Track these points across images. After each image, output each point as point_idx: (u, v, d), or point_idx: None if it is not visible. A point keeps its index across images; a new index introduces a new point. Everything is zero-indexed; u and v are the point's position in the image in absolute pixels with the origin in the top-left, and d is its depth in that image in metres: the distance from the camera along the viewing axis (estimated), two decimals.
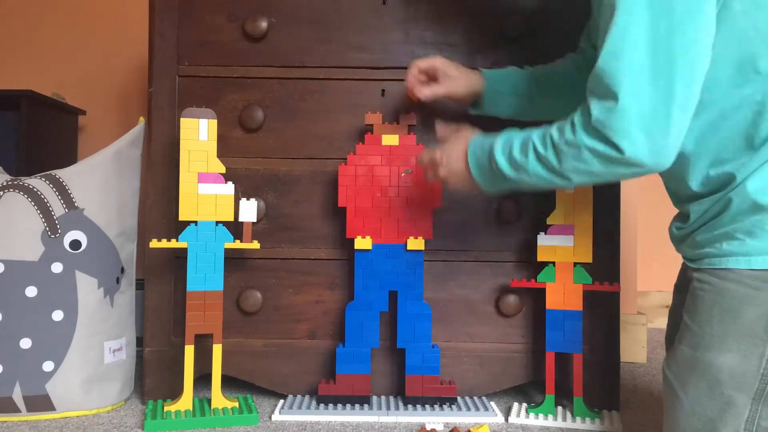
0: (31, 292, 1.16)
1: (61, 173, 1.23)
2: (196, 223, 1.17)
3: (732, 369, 0.80)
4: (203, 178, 1.17)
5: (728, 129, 0.83)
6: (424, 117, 1.26)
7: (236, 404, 1.19)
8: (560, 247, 1.21)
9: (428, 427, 1.13)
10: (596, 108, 0.79)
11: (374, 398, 1.26)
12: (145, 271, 1.27)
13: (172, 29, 1.28)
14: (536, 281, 1.22)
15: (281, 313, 1.29)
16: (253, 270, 1.29)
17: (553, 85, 1.15)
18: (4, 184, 1.20)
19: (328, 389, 1.22)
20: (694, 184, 0.88)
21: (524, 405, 1.25)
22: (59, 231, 1.19)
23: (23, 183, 1.21)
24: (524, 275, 1.28)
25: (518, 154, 0.89)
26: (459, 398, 1.26)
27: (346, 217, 1.23)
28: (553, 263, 1.22)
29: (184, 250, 1.18)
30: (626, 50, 0.77)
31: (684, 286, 0.93)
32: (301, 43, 1.28)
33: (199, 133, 1.17)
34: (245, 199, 1.20)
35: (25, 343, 1.16)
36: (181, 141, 1.16)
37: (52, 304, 1.17)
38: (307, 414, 1.18)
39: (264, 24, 1.27)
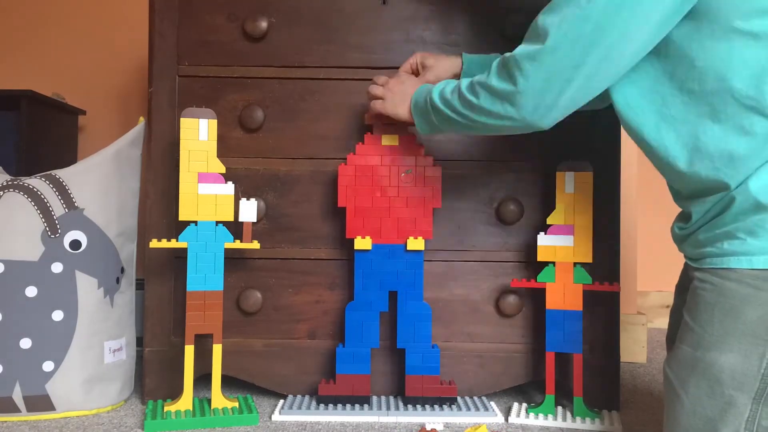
0: (31, 292, 1.16)
1: (61, 173, 1.23)
2: (196, 223, 1.17)
3: (733, 369, 0.80)
4: (203, 178, 1.17)
5: None
6: None
7: (236, 404, 1.19)
8: (560, 247, 1.21)
9: (428, 427, 1.13)
10: (520, 47, 0.88)
11: (374, 398, 1.26)
12: (145, 271, 1.27)
13: (172, 29, 1.28)
14: (536, 281, 1.22)
15: (281, 313, 1.29)
16: (253, 270, 1.29)
17: None
18: (4, 184, 1.20)
19: (328, 389, 1.22)
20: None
21: (524, 405, 1.25)
22: (59, 231, 1.19)
23: (23, 183, 1.21)
24: (524, 275, 1.28)
25: (449, 93, 1.00)
26: (459, 398, 1.26)
27: (346, 217, 1.23)
28: (553, 263, 1.22)
29: (184, 250, 1.18)
30: (563, 7, 0.83)
31: (686, 286, 0.93)
32: (301, 43, 1.28)
33: (199, 133, 1.17)
34: (245, 199, 1.20)
35: (25, 343, 1.16)
36: (181, 141, 1.16)
37: (52, 304, 1.17)
38: (307, 414, 1.18)
39: (264, 24, 1.27)
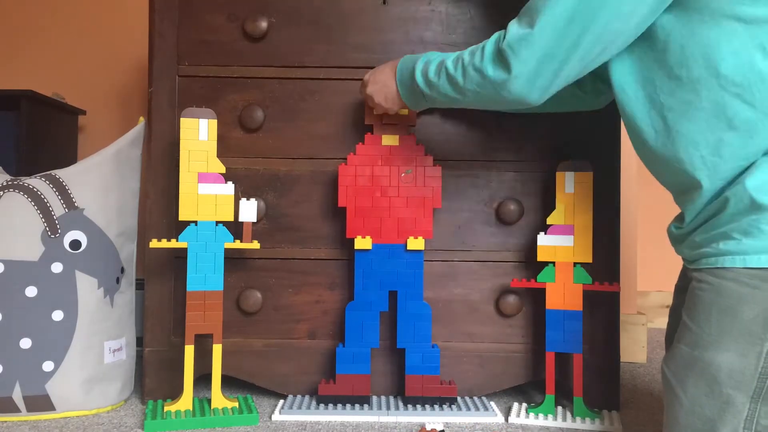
0: (31, 292, 1.16)
1: (61, 173, 1.23)
2: (196, 223, 1.17)
3: (730, 368, 0.80)
4: (203, 178, 1.17)
5: None
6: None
7: (236, 404, 1.19)
8: (560, 247, 1.21)
9: (428, 427, 1.13)
10: (512, 31, 0.89)
11: (374, 398, 1.26)
12: (145, 271, 1.27)
13: (172, 29, 1.28)
14: (536, 281, 1.22)
15: (281, 313, 1.29)
16: (253, 270, 1.29)
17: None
18: (4, 184, 1.20)
19: (328, 389, 1.22)
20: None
21: (524, 405, 1.25)
22: (59, 231, 1.19)
23: (23, 183, 1.21)
24: (524, 275, 1.28)
25: (433, 74, 1.01)
26: (459, 398, 1.26)
27: (346, 217, 1.23)
28: (553, 263, 1.22)
29: (184, 250, 1.18)
30: None
31: (685, 287, 0.93)
32: (301, 43, 1.28)
33: (199, 133, 1.17)
34: (245, 199, 1.20)
35: (25, 343, 1.16)
36: (181, 141, 1.16)
37: (52, 304, 1.17)
38: (307, 414, 1.18)
39: (264, 24, 1.27)
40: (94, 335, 1.21)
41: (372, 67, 1.27)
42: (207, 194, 1.17)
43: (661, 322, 2.11)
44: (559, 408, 1.23)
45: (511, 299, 1.27)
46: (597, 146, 1.26)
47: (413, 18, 1.28)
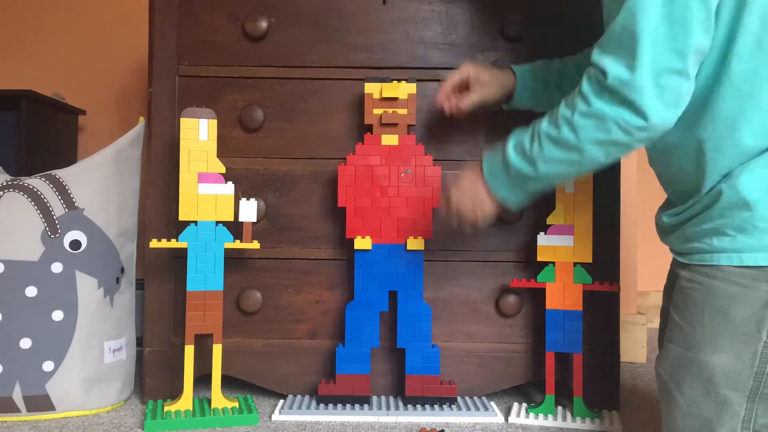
0: (31, 292, 1.16)
1: (61, 173, 1.23)
2: (196, 223, 1.17)
3: (726, 368, 0.80)
4: (203, 178, 1.17)
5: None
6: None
7: (236, 404, 1.19)
8: (560, 247, 1.21)
9: (428, 428, 1.13)
10: (614, 67, 0.79)
11: (374, 398, 1.26)
12: (145, 271, 1.27)
13: (172, 29, 1.28)
14: (536, 281, 1.22)
15: (281, 313, 1.29)
16: (253, 270, 1.29)
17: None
18: (4, 184, 1.20)
19: (328, 389, 1.22)
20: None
21: (524, 405, 1.25)
22: (59, 231, 1.19)
23: (23, 183, 1.21)
24: (524, 275, 1.28)
25: (529, 146, 0.90)
26: (459, 398, 1.26)
27: (346, 217, 1.23)
28: (553, 263, 1.22)
29: (184, 250, 1.18)
30: (645, 4, 0.77)
31: (673, 286, 0.92)
32: (301, 43, 1.28)
33: (199, 133, 1.17)
34: (245, 199, 1.20)
35: (25, 343, 1.16)
36: (181, 141, 1.16)
37: (52, 304, 1.17)
38: (307, 414, 1.18)
39: (264, 24, 1.27)
40: (94, 335, 1.21)
41: (372, 67, 1.27)
42: (207, 194, 1.17)
43: None
44: (559, 408, 1.23)
45: (511, 299, 1.27)
46: None
47: (413, 18, 1.28)
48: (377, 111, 1.23)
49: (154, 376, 1.26)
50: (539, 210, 1.27)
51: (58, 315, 1.17)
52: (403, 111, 1.23)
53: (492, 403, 1.24)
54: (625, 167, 1.46)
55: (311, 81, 1.28)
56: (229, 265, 1.25)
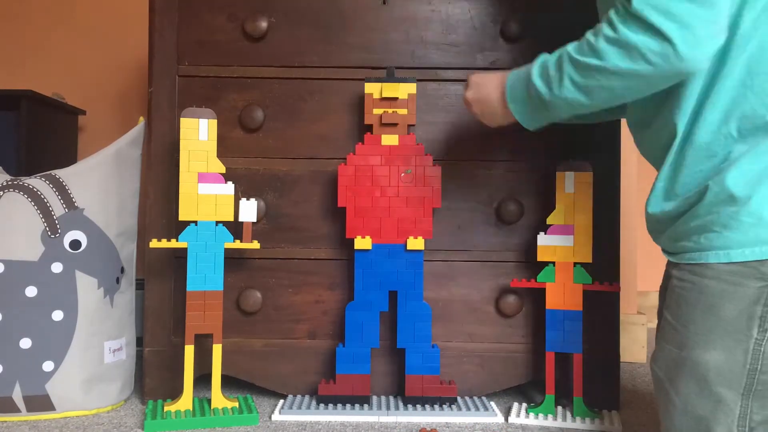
0: (31, 292, 1.16)
1: (61, 173, 1.23)
2: (196, 223, 1.17)
3: (718, 366, 0.80)
4: (203, 178, 1.17)
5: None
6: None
7: (236, 404, 1.19)
8: (560, 247, 1.21)
9: (428, 428, 1.13)
10: None
11: (374, 398, 1.26)
12: (145, 271, 1.27)
13: (172, 29, 1.28)
14: (536, 281, 1.22)
15: (281, 313, 1.29)
16: (253, 270, 1.29)
17: None
18: (4, 184, 1.20)
19: (328, 389, 1.22)
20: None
21: (524, 405, 1.25)
22: (59, 231, 1.19)
23: (23, 183, 1.21)
24: (524, 275, 1.28)
25: (554, 70, 0.88)
26: (459, 398, 1.26)
27: (346, 217, 1.23)
28: (553, 263, 1.22)
29: (184, 250, 1.18)
30: None
31: (667, 286, 0.92)
32: (301, 43, 1.28)
33: (199, 133, 1.17)
34: (245, 199, 1.20)
35: (25, 343, 1.16)
36: (181, 141, 1.16)
37: (52, 304, 1.17)
38: (307, 414, 1.18)
39: (264, 24, 1.27)
40: (94, 335, 1.21)
41: (372, 68, 1.27)
42: (207, 194, 1.17)
43: None
44: (559, 408, 1.23)
45: (511, 299, 1.27)
46: (597, 146, 1.26)
47: (413, 18, 1.28)
48: (377, 111, 1.23)
49: (154, 376, 1.26)
50: (539, 210, 1.27)
51: (58, 315, 1.17)
52: (403, 111, 1.23)
53: (492, 403, 1.24)
54: (625, 167, 1.46)
55: (311, 81, 1.28)
56: (229, 265, 1.25)
